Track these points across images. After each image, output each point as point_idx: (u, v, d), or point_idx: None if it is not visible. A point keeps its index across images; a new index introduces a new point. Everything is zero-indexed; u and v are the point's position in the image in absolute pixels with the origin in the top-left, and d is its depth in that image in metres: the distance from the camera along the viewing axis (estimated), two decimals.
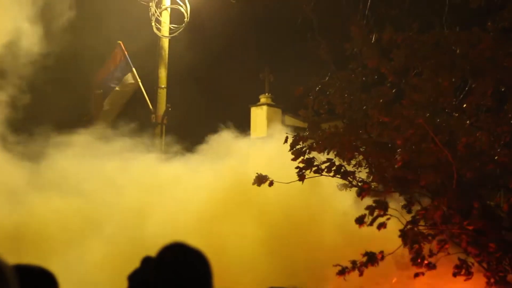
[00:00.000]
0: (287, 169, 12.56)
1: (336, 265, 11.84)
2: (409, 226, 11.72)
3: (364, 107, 11.95)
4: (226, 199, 15.89)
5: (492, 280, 11.58)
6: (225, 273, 12.75)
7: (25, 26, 16.79)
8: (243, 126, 19.55)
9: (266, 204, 15.53)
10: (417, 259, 11.77)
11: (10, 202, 15.79)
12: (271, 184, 12.27)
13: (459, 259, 11.85)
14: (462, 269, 11.76)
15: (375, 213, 11.70)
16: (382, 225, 11.77)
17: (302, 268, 14.48)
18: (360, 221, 11.81)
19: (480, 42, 11.24)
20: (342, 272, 11.76)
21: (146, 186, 16.52)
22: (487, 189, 11.96)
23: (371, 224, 11.75)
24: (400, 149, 11.61)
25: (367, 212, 11.76)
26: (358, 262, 11.74)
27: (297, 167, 12.16)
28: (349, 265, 11.76)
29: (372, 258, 11.74)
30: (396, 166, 11.61)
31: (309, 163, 12.03)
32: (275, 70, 21.99)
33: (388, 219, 11.78)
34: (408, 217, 11.92)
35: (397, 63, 11.63)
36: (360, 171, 12.32)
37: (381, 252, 11.82)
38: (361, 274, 11.74)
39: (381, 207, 11.65)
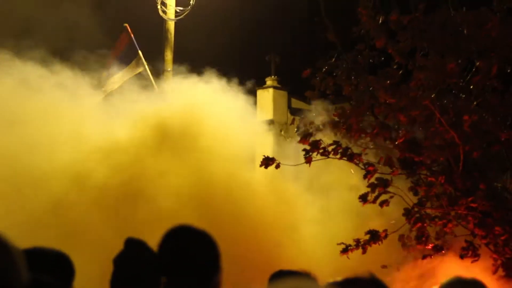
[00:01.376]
0: None
1: (340, 244, 11.92)
2: (415, 209, 11.77)
3: (371, 88, 11.95)
4: None
5: (498, 262, 11.59)
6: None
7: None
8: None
9: None
10: (421, 237, 11.83)
11: None
12: (277, 166, 12.27)
13: (466, 241, 11.87)
14: (469, 251, 11.79)
15: (377, 191, 11.81)
16: (384, 203, 11.86)
17: None
18: (364, 198, 11.90)
19: (488, 22, 11.20)
20: (346, 250, 11.87)
21: None
22: (494, 170, 11.95)
23: (374, 201, 11.85)
24: (404, 129, 11.63)
25: (369, 189, 11.88)
26: (362, 240, 11.83)
27: (303, 150, 12.18)
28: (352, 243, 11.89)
29: (375, 236, 11.82)
30: (397, 143, 11.64)
31: (314, 146, 12.03)
32: (282, 52, 21.97)
33: (391, 197, 11.86)
34: (415, 199, 11.97)
35: (403, 44, 11.62)
36: (366, 153, 12.34)
37: (385, 230, 11.90)
38: (364, 251, 11.84)
39: (382, 184, 11.72)
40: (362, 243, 11.85)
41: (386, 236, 11.89)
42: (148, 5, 21.13)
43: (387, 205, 11.93)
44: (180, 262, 3.86)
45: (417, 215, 11.74)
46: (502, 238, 11.38)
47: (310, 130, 12.19)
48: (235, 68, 19.96)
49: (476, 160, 11.53)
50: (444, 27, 11.44)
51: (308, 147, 12.11)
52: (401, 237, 12.33)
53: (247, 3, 20.72)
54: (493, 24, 11.19)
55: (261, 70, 22.17)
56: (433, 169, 11.62)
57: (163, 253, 3.91)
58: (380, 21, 11.75)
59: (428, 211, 11.85)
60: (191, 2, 20.86)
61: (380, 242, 11.86)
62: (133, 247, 4.20)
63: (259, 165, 12.37)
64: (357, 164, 12.16)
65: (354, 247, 11.86)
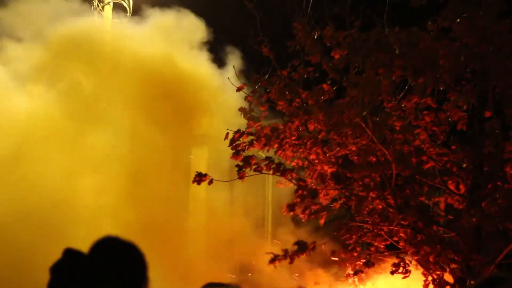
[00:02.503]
0: None
1: (268, 253, 11.94)
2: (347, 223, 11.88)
3: (305, 104, 11.98)
4: None
5: (429, 278, 11.68)
6: None
7: None
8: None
9: None
10: (347, 246, 11.91)
11: None
12: (210, 182, 12.24)
13: (396, 257, 11.97)
14: (399, 267, 11.87)
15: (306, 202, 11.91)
16: (313, 214, 11.98)
17: None
18: (291, 208, 11.99)
19: (419, 42, 11.30)
20: (273, 260, 11.88)
21: None
22: (426, 187, 12.03)
23: (303, 212, 11.94)
24: (338, 147, 11.68)
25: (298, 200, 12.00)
26: (289, 251, 11.85)
27: (236, 165, 12.16)
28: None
29: (302, 247, 11.86)
30: (335, 162, 11.69)
31: (247, 162, 12.02)
32: (218, 65, 21.89)
33: (321, 210, 11.95)
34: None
35: (338, 60, 11.67)
36: (299, 169, 12.37)
37: (313, 242, 11.95)
38: (291, 262, 11.87)
39: (310, 196, 11.80)
40: (290, 253, 11.87)
41: (314, 247, 11.94)
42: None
43: (314, 217, 12.05)
44: (108, 273, 3.86)
45: (348, 228, 11.83)
46: (433, 255, 11.47)
47: (243, 145, 12.16)
48: None
49: (408, 177, 11.61)
50: (378, 45, 11.51)
51: (240, 163, 12.11)
52: (333, 253, 12.38)
53: (183, 15, 20.64)
54: (425, 44, 11.29)
55: None
56: (365, 183, 11.67)
57: (91, 264, 3.89)
58: (315, 37, 11.79)
59: (359, 225, 11.92)
60: (128, 14, 20.76)
61: (307, 253, 11.90)
62: (71, 257, 4.17)
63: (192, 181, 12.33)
64: (290, 180, 12.18)
65: (282, 257, 11.87)
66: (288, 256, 11.88)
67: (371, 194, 11.57)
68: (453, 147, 11.78)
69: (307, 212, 11.98)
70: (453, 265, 11.51)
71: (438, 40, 11.28)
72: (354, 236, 11.89)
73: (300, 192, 11.94)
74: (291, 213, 12.14)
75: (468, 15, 11.10)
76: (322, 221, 12.29)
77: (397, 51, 11.34)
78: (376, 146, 11.27)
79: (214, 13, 21.31)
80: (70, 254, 4.17)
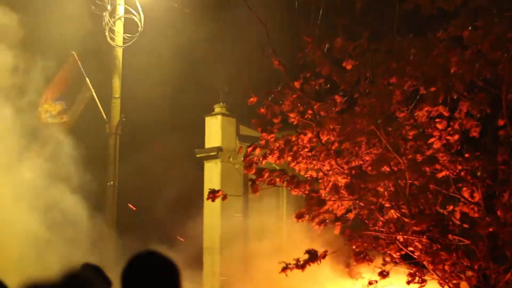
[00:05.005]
0: None
1: (280, 262, 11.93)
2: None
3: (318, 117, 11.97)
4: None
5: (446, 287, 11.64)
6: None
7: None
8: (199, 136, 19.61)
9: None
10: (359, 254, 11.87)
11: None
12: (224, 198, 12.31)
13: (413, 266, 11.92)
14: (415, 277, 11.82)
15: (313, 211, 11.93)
16: (323, 222, 11.94)
17: None
18: (299, 216, 11.98)
19: (434, 48, 11.30)
20: (285, 268, 11.87)
21: None
22: (440, 196, 11.99)
23: (312, 220, 11.95)
24: (352, 158, 11.67)
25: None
26: (301, 260, 11.83)
27: (250, 179, 12.20)
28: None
29: (313, 256, 11.84)
30: (349, 173, 11.68)
31: (259, 174, 12.03)
32: (231, 79, 21.92)
33: (327, 220, 11.94)
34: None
35: (348, 71, 11.67)
36: (313, 181, 12.36)
37: (325, 251, 11.96)
38: (303, 269, 11.85)
39: (319, 204, 11.80)
40: (301, 263, 11.86)
41: (325, 256, 11.92)
42: (96, 33, 21.02)
43: (326, 225, 12.05)
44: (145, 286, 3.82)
45: (356, 236, 11.83)
46: (448, 263, 11.43)
47: (256, 159, 12.19)
48: (184, 95, 19.93)
49: (422, 186, 11.56)
50: (390, 54, 11.52)
51: (253, 176, 12.13)
52: (347, 265, 12.39)
53: (195, 30, 20.70)
54: (439, 51, 11.29)
55: (209, 98, 22.13)
56: (378, 192, 11.64)
57: (126, 278, 3.87)
58: (325, 49, 11.79)
59: (373, 234, 11.91)
60: (139, 29, 20.80)
61: (318, 262, 11.89)
62: (89, 272, 4.17)
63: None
64: (303, 192, 12.17)
65: (294, 265, 11.86)
66: (300, 265, 11.87)
67: (384, 203, 11.56)
68: (466, 155, 11.74)
69: (316, 220, 11.98)
70: (469, 273, 11.45)
71: (451, 48, 11.27)
72: (365, 244, 11.86)
73: (310, 201, 11.94)
74: (299, 221, 12.16)
75: (481, 23, 11.10)
76: (337, 231, 12.28)
77: (411, 57, 11.33)
78: (390, 155, 11.25)
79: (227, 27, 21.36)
80: (88, 269, 4.17)
